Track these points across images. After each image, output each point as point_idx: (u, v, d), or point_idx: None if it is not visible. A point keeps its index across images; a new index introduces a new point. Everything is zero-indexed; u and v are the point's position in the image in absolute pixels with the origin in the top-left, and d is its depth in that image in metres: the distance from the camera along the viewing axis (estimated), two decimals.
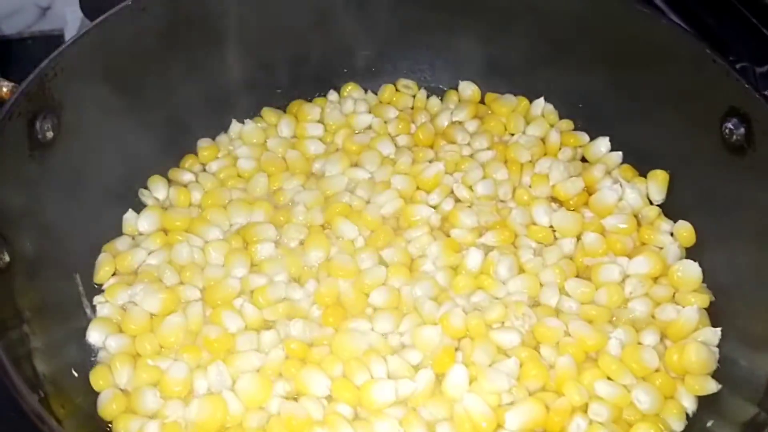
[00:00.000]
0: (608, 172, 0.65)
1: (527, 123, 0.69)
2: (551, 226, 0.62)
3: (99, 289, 0.58)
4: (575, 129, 0.69)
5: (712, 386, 0.53)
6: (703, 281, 0.59)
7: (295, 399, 0.53)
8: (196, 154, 0.66)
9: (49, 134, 0.53)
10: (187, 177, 0.64)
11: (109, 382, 0.53)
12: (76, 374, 0.53)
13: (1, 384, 0.43)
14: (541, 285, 0.58)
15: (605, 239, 0.60)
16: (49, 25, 1.00)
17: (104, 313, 0.55)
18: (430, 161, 0.66)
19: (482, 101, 0.72)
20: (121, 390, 0.53)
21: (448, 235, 0.62)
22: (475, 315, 0.56)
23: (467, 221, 0.62)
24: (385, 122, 0.69)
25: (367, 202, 0.64)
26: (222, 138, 0.68)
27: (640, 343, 0.55)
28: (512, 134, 0.69)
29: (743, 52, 0.78)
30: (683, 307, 0.57)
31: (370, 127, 0.69)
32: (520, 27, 0.66)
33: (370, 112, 0.70)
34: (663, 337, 0.56)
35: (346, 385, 0.52)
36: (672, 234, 0.62)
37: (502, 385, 0.52)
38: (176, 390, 0.52)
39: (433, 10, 0.67)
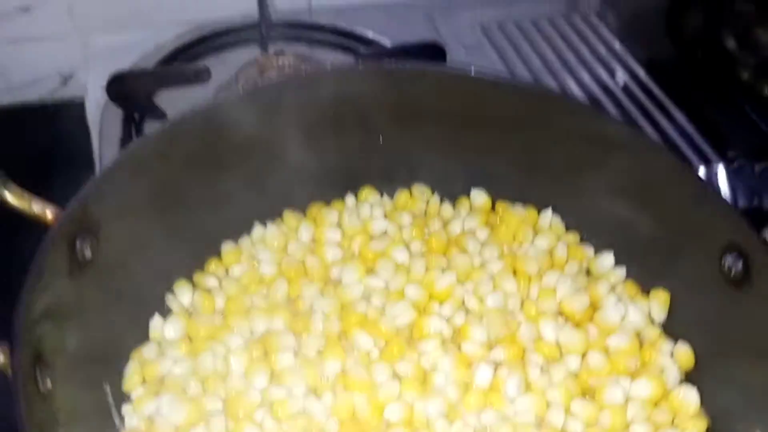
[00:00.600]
0: (612, 288, 0.68)
1: (535, 234, 0.72)
2: (557, 342, 0.65)
3: (128, 397, 0.60)
4: (581, 239, 0.72)
5: None
6: (703, 403, 0.61)
7: None
8: (220, 257, 0.69)
9: (88, 254, 0.56)
10: (211, 282, 0.67)
11: None
12: None
13: None
14: (548, 404, 0.61)
15: (609, 359, 0.63)
16: (70, 93, 1.03)
17: (132, 425, 0.58)
18: (443, 270, 0.69)
19: (494, 208, 0.74)
20: None
21: (460, 347, 0.64)
22: None
23: (477, 336, 0.65)
24: (400, 228, 0.72)
25: (382, 311, 0.66)
26: (245, 241, 0.70)
27: None
28: (521, 244, 0.72)
29: (742, 147, 0.82)
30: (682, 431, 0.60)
31: (385, 232, 0.72)
32: (537, 143, 0.69)
33: (385, 217, 0.73)
34: None
35: None
36: (672, 354, 0.65)
37: None
38: None
39: (445, 125, 0.70)
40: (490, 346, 0.64)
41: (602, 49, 1.00)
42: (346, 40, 0.98)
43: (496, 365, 0.63)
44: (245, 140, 0.66)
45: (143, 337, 0.63)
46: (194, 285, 0.67)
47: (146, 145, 0.58)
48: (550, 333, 0.65)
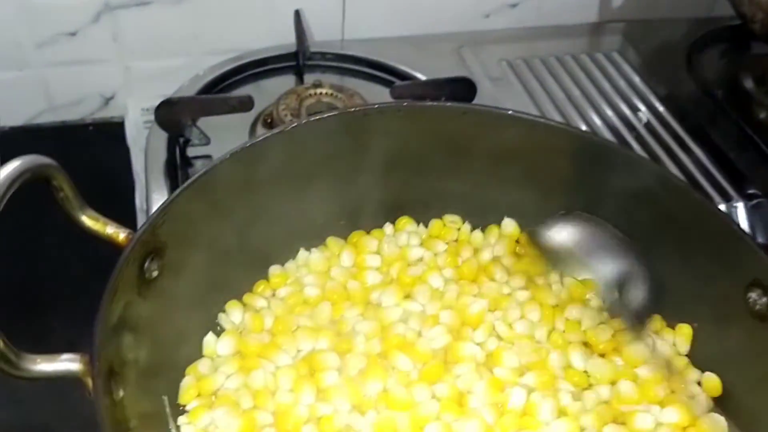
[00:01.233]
0: None
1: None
2: (586, 371, 0.68)
3: (183, 409, 0.64)
4: None
5: None
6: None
7: None
8: (267, 279, 0.73)
9: (155, 273, 0.60)
10: (260, 303, 0.71)
11: None
12: None
13: None
14: (581, 429, 0.64)
15: (639, 387, 0.67)
16: (111, 113, 1.07)
17: None
18: (474, 296, 0.73)
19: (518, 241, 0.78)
20: None
21: (492, 371, 0.68)
22: None
23: (509, 362, 0.68)
24: (435, 255, 0.76)
25: (419, 334, 0.70)
26: (290, 265, 0.74)
27: None
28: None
29: (761, 185, 0.86)
30: None
31: (421, 259, 0.76)
32: (567, 181, 0.73)
33: (421, 245, 0.77)
34: None
35: None
36: (699, 383, 0.68)
37: None
38: None
39: (479, 160, 0.74)
40: (521, 371, 0.68)
41: (623, 85, 1.04)
42: (379, 72, 1.02)
43: (529, 390, 0.66)
44: (294, 170, 0.70)
45: (198, 353, 0.67)
46: (244, 305, 0.70)
47: (209, 174, 0.62)
48: (578, 362, 0.69)
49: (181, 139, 0.89)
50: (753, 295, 0.63)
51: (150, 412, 0.60)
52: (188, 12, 1.01)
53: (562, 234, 0.70)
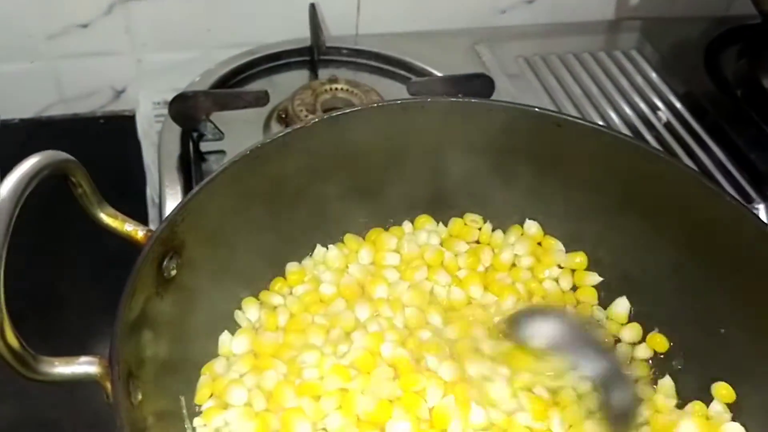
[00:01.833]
0: None
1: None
2: None
3: (200, 411, 0.63)
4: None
5: None
6: None
7: None
8: (284, 277, 0.71)
9: (173, 272, 0.58)
10: (277, 300, 0.70)
11: None
12: None
13: None
14: None
15: None
16: (122, 106, 1.06)
17: None
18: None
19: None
20: None
21: None
22: None
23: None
24: (456, 255, 0.75)
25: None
26: (307, 262, 0.73)
27: None
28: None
29: None
30: None
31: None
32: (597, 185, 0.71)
33: (441, 244, 0.76)
34: None
35: None
36: None
37: None
38: None
39: (502, 158, 0.72)
40: None
41: (641, 82, 1.03)
42: (394, 67, 1.00)
43: None
44: (312, 167, 0.68)
45: (215, 351, 0.65)
46: (261, 302, 0.69)
47: (229, 171, 0.61)
48: None
49: (195, 134, 0.88)
50: None
51: (166, 411, 0.59)
52: (201, 5, 1.00)
53: (534, 330, 0.64)
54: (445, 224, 0.77)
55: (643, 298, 0.71)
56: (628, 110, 0.99)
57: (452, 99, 0.67)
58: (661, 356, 0.69)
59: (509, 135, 0.69)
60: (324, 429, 0.61)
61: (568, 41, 1.09)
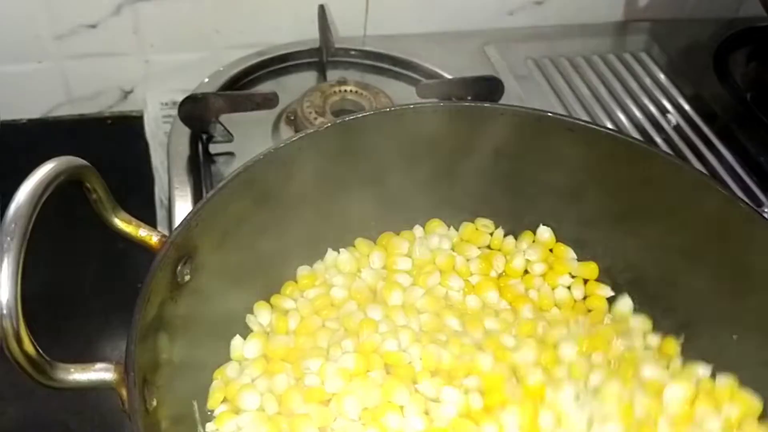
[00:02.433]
0: None
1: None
2: None
3: (212, 415, 0.62)
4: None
5: None
6: None
7: None
8: (296, 280, 0.71)
9: (187, 277, 0.58)
10: (288, 304, 0.70)
11: None
12: None
13: None
14: None
15: None
16: (130, 107, 1.05)
17: None
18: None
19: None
20: None
21: None
22: None
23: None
24: (467, 260, 0.75)
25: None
26: (318, 266, 0.73)
27: None
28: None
29: None
30: None
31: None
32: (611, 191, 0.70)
33: (453, 249, 0.75)
34: None
35: None
36: None
37: None
38: None
39: (512, 162, 0.72)
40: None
41: (650, 84, 1.03)
42: (402, 69, 1.00)
43: None
44: (324, 171, 0.68)
45: (226, 356, 0.65)
46: (272, 306, 0.69)
47: (242, 177, 0.60)
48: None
49: (204, 136, 0.88)
50: None
51: (180, 416, 0.59)
52: (210, 5, 0.99)
53: None
54: (456, 228, 0.77)
55: (654, 303, 0.71)
56: (637, 112, 0.99)
57: (464, 103, 0.67)
58: None
59: (520, 139, 0.69)
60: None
61: (576, 43, 1.09)
